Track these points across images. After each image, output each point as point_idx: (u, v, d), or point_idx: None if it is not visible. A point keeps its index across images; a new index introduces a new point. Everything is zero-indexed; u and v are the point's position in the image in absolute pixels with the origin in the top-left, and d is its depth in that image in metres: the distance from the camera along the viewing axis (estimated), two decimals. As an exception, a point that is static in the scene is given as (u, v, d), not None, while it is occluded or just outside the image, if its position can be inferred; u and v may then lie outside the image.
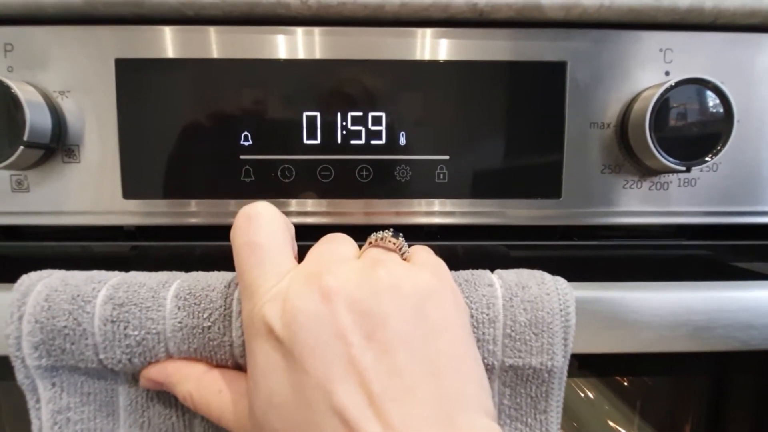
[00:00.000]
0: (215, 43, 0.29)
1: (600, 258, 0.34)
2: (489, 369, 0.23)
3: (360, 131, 0.29)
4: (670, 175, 0.31)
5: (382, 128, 0.29)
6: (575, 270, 0.27)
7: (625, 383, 0.51)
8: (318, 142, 0.29)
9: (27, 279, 0.24)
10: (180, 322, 0.22)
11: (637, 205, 0.31)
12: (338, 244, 0.22)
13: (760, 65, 0.30)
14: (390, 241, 0.22)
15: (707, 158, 0.28)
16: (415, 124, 0.29)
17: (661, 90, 0.27)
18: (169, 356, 0.23)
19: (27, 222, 0.30)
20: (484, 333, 0.23)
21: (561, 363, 0.23)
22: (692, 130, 0.28)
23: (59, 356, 0.22)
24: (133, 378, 0.24)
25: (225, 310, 0.22)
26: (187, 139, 0.29)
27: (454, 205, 0.30)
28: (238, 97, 0.29)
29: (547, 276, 0.24)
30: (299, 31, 0.29)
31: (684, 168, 0.28)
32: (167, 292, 0.23)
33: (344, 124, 0.29)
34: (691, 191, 0.31)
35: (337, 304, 0.18)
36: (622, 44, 0.30)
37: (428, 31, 0.29)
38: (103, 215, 0.30)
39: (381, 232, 0.22)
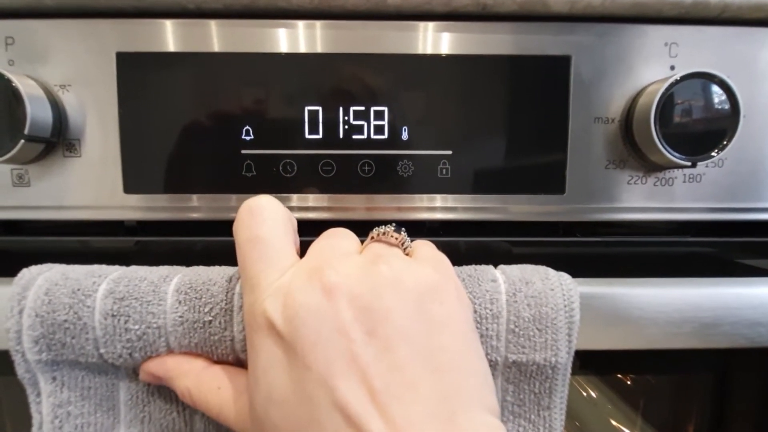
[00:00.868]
0: (216, 37, 0.29)
1: (604, 254, 0.34)
2: (492, 365, 0.23)
3: (362, 126, 0.29)
4: (675, 170, 0.30)
5: (385, 123, 0.29)
6: (579, 266, 0.27)
7: (628, 382, 0.51)
8: (320, 136, 0.29)
9: (27, 273, 0.24)
10: (181, 317, 0.22)
11: (642, 201, 0.31)
12: (340, 238, 0.22)
13: (766, 59, 0.30)
14: (392, 236, 0.21)
15: (713, 154, 0.28)
16: (418, 118, 0.29)
17: (666, 84, 0.27)
18: (170, 351, 0.22)
19: (28, 216, 0.30)
20: (487, 329, 0.22)
21: (565, 359, 0.23)
22: (697, 125, 0.28)
23: (60, 350, 0.22)
24: (134, 372, 0.24)
25: (226, 304, 0.22)
26: (188, 133, 0.29)
27: (456, 200, 0.30)
28: (240, 92, 0.29)
29: (551, 271, 0.24)
30: (301, 24, 0.29)
31: (689, 163, 0.28)
32: (168, 287, 0.23)
33: (346, 118, 0.29)
34: (697, 187, 0.31)
35: (338, 300, 0.18)
36: (626, 38, 0.29)
37: (431, 25, 0.29)
38: (104, 210, 0.29)
39: (383, 226, 0.22)
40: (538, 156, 0.30)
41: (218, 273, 0.24)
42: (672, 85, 0.27)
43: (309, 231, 0.26)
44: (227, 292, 0.22)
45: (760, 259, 0.34)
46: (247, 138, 0.29)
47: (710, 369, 0.39)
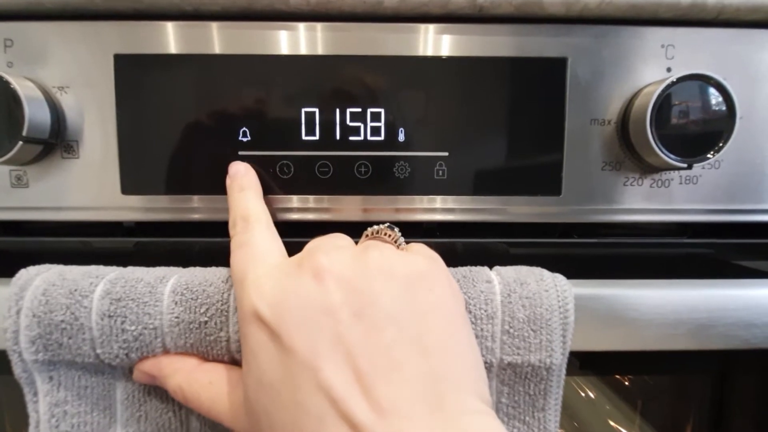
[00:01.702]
0: (214, 39, 0.29)
1: (600, 256, 0.34)
2: (487, 367, 0.23)
3: (359, 127, 0.29)
4: (672, 172, 0.30)
5: (381, 124, 0.29)
6: (575, 268, 0.27)
7: (626, 383, 0.51)
8: (316, 138, 0.29)
9: (25, 273, 0.24)
10: (177, 317, 0.22)
11: (638, 202, 0.31)
12: (334, 237, 0.22)
13: (763, 62, 0.30)
14: (386, 234, 0.22)
15: (709, 155, 0.28)
16: (414, 120, 0.29)
17: (662, 86, 0.27)
18: (166, 351, 0.23)
19: (26, 217, 0.30)
20: (482, 329, 0.22)
21: (560, 360, 0.23)
22: (694, 126, 0.28)
23: (56, 351, 0.22)
24: (130, 372, 0.24)
25: (222, 305, 0.22)
26: (185, 134, 0.29)
27: (453, 202, 0.30)
28: (236, 93, 0.29)
29: (546, 273, 0.24)
30: (297, 26, 0.29)
31: (685, 165, 0.28)
32: (164, 288, 0.23)
33: (343, 120, 0.29)
34: (693, 189, 0.31)
35: (327, 281, 0.18)
36: (623, 40, 0.29)
37: (427, 27, 0.29)
38: (102, 211, 0.30)
39: (377, 225, 0.22)
40: (535, 157, 0.30)
41: (214, 274, 0.24)
42: (668, 86, 0.27)
43: (305, 232, 0.26)
44: (223, 293, 0.23)
45: (757, 261, 0.34)
46: (244, 139, 0.29)
47: (708, 370, 0.39)
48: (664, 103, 0.27)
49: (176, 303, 0.22)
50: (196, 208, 0.30)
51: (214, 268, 0.25)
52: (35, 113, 0.27)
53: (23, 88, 0.26)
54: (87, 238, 0.32)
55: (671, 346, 0.27)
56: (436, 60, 0.29)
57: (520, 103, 0.29)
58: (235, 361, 0.23)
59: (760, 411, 0.36)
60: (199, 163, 0.29)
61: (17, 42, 0.28)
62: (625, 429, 0.51)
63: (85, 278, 0.23)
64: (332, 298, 0.18)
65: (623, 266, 0.34)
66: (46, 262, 0.25)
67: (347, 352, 0.17)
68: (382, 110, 0.29)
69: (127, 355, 0.22)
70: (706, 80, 0.27)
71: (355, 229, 0.26)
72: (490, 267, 0.25)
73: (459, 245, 0.32)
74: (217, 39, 0.29)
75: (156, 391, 0.24)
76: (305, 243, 0.22)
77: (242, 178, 0.27)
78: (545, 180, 0.30)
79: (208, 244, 0.31)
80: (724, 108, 0.28)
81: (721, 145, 0.28)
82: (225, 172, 0.29)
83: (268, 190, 0.29)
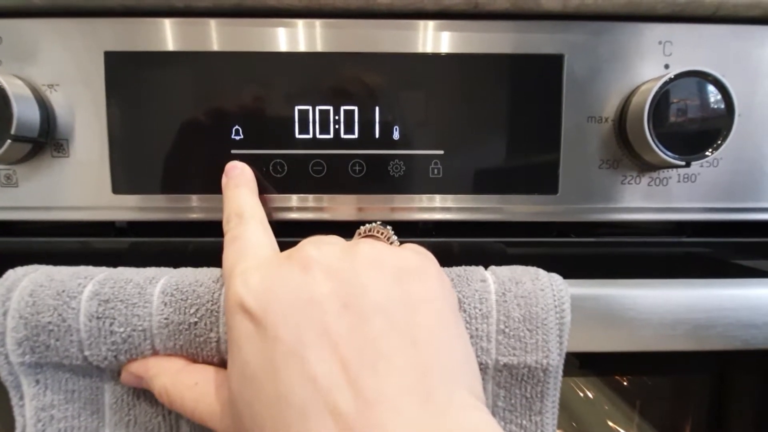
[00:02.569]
0: (206, 36, 0.28)
1: (598, 255, 0.33)
2: (483, 369, 0.22)
3: (353, 125, 0.29)
4: (670, 170, 0.30)
5: (375, 122, 0.29)
6: (573, 267, 0.26)
7: (625, 383, 0.50)
8: (310, 136, 0.29)
9: (13, 274, 0.23)
10: (166, 319, 0.22)
11: (636, 201, 0.30)
12: (327, 237, 0.22)
13: (762, 58, 0.29)
14: (378, 231, 0.21)
15: (707, 153, 0.28)
16: (409, 118, 0.29)
17: (660, 83, 0.27)
18: (155, 353, 0.22)
19: (16, 217, 0.29)
20: (477, 329, 0.22)
21: (556, 361, 0.22)
22: (692, 124, 0.28)
23: (44, 353, 0.22)
24: (119, 375, 0.23)
25: (213, 305, 0.22)
26: (176, 133, 0.29)
27: (449, 201, 0.30)
28: (229, 91, 0.28)
29: (541, 272, 0.24)
30: (291, 23, 0.28)
31: (683, 163, 0.27)
32: (154, 288, 0.22)
33: (336, 118, 0.29)
34: (691, 187, 0.30)
35: (315, 272, 0.18)
36: (620, 36, 0.29)
37: (422, 24, 0.29)
38: (93, 210, 0.29)
39: (370, 224, 0.22)
40: (531, 156, 0.30)
41: (205, 274, 0.24)
42: (666, 83, 0.27)
43: (299, 232, 0.26)
44: (214, 293, 0.22)
45: (756, 260, 0.33)
46: (237, 138, 0.29)
47: (707, 370, 0.38)
48: (661, 100, 0.27)
49: (165, 304, 0.22)
50: (188, 207, 0.29)
51: (205, 269, 0.24)
52: (24, 111, 0.26)
53: (12, 86, 0.26)
54: (78, 238, 0.31)
55: (669, 346, 0.26)
56: (431, 57, 0.29)
57: (516, 100, 0.29)
58: (224, 363, 0.22)
59: (758, 411, 0.36)
60: (192, 161, 0.29)
61: (6, 39, 0.28)
62: (623, 429, 0.50)
63: (73, 279, 0.23)
64: (320, 289, 0.17)
65: (621, 266, 0.34)
66: (36, 263, 0.25)
67: (333, 343, 0.16)
68: (376, 108, 0.29)
69: (115, 357, 0.22)
70: (704, 77, 0.27)
71: (349, 229, 0.26)
72: (486, 267, 0.25)
73: (455, 245, 0.32)
74: (210, 36, 0.28)
75: (145, 395, 0.23)
76: (298, 242, 0.22)
77: (238, 175, 0.27)
78: (542, 178, 0.30)
79: (201, 243, 0.31)
80: (722, 105, 0.27)
81: (719, 142, 0.27)
82: (218, 171, 0.29)
83: (261, 189, 0.29)
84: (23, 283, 0.23)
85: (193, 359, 0.22)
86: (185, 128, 0.29)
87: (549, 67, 0.29)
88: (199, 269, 0.24)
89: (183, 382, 0.21)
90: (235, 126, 0.29)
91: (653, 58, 0.29)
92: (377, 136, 0.29)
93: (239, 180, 0.27)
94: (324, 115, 0.29)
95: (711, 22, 0.29)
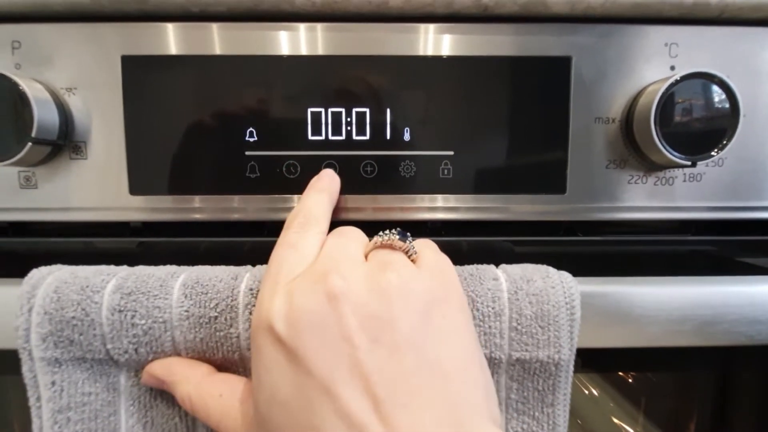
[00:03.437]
0: (220, 40, 0.29)
1: (605, 254, 0.34)
2: (496, 363, 0.23)
3: (364, 127, 0.29)
4: (676, 170, 0.31)
5: (387, 124, 0.29)
6: (580, 266, 0.27)
7: (630, 380, 0.51)
8: (323, 138, 0.29)
9: (37, 272, 0.24)
10: (186, 311, 0.22)
11: (642, 200, 0.31)
12: (348, 238, 0.22)
13: (766, 59, 0.30)
14: (397, 245, 0.22)
15: (713, 153, 0.28)
16: (420, 119, 0.29)
17: (666, 84, 0.27)
18: (176, 346, 0.23)
19: (35, 218, 0.30)
20: (490, 326, 0.23)
21: (567, 356, 0.23)
22: (698, 124, 0.28)
23: (67, 347, 0.22)
24: (136, 376, 0.24)
25: (231, 301, 0.22)
26: (192, 135, 0.29)
27: (458, 200, 0.30)
28: (243, 94, 0.29)
29: (552, 270, 0.25)
30: (303, 27, 0.29)
31: (689, 163, 0.28)
32: (175, 282, 0.23)
33: (349, 119, 0.29)
34: (697, 186, 0.31)
35: (343, 306, 0.18)
36: (627, 39, 0.30)
37: (432, 27, 0.29)
38: (110, 211, 0.30)
39: (387, 232, 0.22)
40: (539, 156, 0.30)
41: (224, 271, 0.24)
42: (672, 85, 0.27)
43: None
44: (232, 290, 0.23)
45: (761, 258, 0.34)
46: (251, 139, 0.29)
47: (712, 367, 0.39)
48: (668, 101, 0.27)
49: (186, 296, 0.22)
50: (204, 208, 0.30)
51: (223, 267, 0.25)
52: (44, 114, 0.27)
53: (31, 89, 0.27)
54: (95, 239, 0.32)
55: (676, 342, 0.27)
56: (441, 59, 0.29)
57: (524, 102, 0.30)
58: (244, 358, 0.23)
59: (763, 408, 0.36)
60: (207, 163, 0.29)
61: (25, 44, 0.28)
62: (628, 426, 0.51)
63: (96, 275, 0.23)
64: (348, 323, 0.18)
65: (628, 264, 0.34)
66: (55, 263, 0.26)
67: (365, 379, 0.17)
68: (387, 110, 0.29)
69: (136, 350, 0.22)
70: (709, 78, 0.27)
71: (361, 228, 0.26)
72: (496, 265, 0.26)
73: (464, 244, 0.33)
74: (224, 40, 0.29)
75: (162, 396, 0.24)
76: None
77: (327, 183, 0.27)
78: (550, 178, 0.30)
79: (215, 244, 0.31)
80: (727, 106, 0.28)
81: (724, 142, 0.28)
82: (232, 172, 0.29)
83: (274, 191, 0.30)
84: (48, 280, 0.23)
85: (213, 353, 0.23)
86: (200, 130, 0.29)
87: (557, 69, 0.29)
88: (218, 267, 0.25)
89: (208, 391, 0.21)
90: (249, 128, 0.29)
91: (659, 60, 0.30)
92: (388, 137, 0.29)
93: (324, 185, 0.27)
94: (336, 116, 0.29)
95: (716, 24, 0.30)
